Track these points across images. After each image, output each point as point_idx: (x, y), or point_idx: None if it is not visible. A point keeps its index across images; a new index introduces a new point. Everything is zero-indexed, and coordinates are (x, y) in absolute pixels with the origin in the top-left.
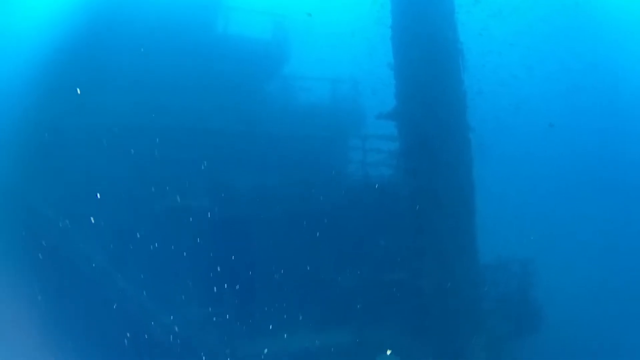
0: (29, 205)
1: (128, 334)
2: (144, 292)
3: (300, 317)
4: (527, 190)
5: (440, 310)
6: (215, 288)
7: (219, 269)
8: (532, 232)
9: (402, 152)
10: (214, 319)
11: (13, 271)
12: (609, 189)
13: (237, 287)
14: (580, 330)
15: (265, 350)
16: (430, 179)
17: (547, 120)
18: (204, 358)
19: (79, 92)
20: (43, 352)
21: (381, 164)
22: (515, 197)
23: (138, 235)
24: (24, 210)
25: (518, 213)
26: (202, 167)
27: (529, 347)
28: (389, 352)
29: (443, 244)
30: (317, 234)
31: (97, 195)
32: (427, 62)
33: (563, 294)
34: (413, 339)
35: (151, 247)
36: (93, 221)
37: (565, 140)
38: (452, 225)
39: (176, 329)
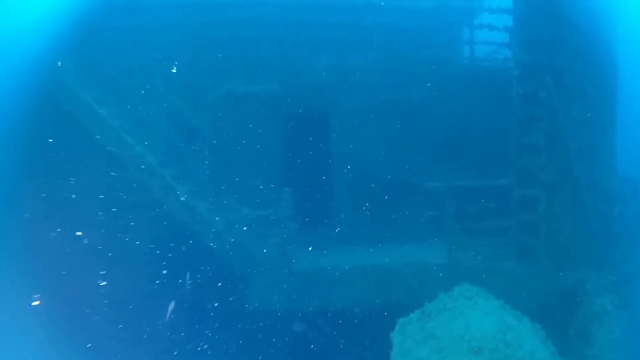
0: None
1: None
2: (201, 189)
3: (383, 231)
4: None
5: (553, 230)
6: (283, 187)
7: (288, 165)
8: None
9: (517, 23)
10: (280, 223)
11: None
12: None
13: (308, 188)
14: None
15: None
16: (553, 56)
17: None
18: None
19: None
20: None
21: (492, 43)
22: None
23: (198, 125)
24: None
25: None
26: (272, 47)
27: None
28: None
29: (565, 142)
30: (405, 129)
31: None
32: None
33: None
34: (514, 266)
35: (212, 137)
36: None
37: None
38: (580, 118)
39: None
